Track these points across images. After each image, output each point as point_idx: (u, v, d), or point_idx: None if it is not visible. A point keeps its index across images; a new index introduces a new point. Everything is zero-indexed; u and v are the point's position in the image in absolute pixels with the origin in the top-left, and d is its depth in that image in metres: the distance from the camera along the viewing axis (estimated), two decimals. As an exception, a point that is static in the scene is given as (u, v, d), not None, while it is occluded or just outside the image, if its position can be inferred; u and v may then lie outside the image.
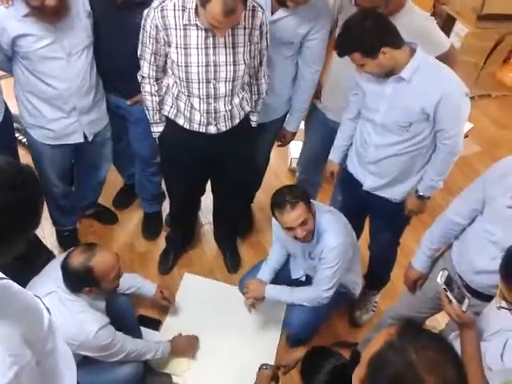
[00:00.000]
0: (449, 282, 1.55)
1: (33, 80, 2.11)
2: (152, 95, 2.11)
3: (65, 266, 1.83)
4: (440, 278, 1.55)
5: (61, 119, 2.24)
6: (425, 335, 0.95)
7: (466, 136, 3.47)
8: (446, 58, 2.06)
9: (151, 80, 2.08)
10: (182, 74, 1.98)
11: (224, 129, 2.14)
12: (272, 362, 2.22)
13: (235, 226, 2.90)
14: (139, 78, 2.09)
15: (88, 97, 2.24)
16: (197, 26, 1.88)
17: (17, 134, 2.64)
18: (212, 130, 2.13)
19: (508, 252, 1.36)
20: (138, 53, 2.03)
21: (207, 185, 2.65)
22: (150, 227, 2.99)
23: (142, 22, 1.94)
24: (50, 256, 2.37)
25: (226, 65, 1.97)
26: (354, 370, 1.02)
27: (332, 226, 2.11)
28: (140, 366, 2.12)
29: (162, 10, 1.87)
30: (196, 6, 1.82)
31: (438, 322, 2.33)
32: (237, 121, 2.17)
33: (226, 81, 2.00)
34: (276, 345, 2.47)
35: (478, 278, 1.71)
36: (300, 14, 2.12)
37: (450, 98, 1.82)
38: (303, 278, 2.38)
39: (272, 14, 2.13)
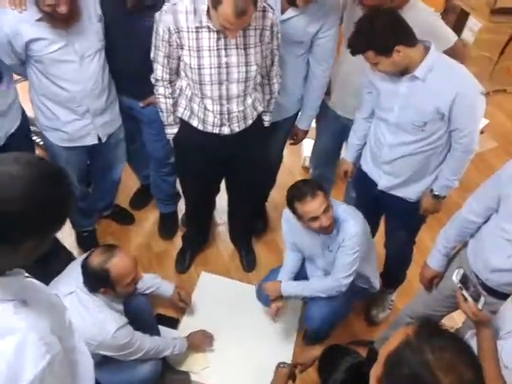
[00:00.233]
0: (464, 280, 1.55)
1: (46, 83, 2.15)
2: (166, 98, 2.14)
3: (85, 266, 1.88)
4: (455, 277, 1.56)
5: (74, 121, 2.28)
6: (442, 335, 0.95)
7: (481, 132, 3.44)
8: (454, 52, 2.05)
9: (165, 83, 2.11)
10: (194, 76, 2.00)
11: (237, 129, 2.16)
12: (289, 361, 2.24)
13: (250, 225, 2.91)
14: (153, 80, 2.12)
15: (101, 99, 2.28)
16: (208, 28, 1.90)
17: (34, 137, 2.69)
18: (225, 130, 2.15)
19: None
20: (151, 56, 2.05)
21: (222, 184, 2.67)
22: (166, 227, 3.03)
23: (155, 25, 1.97)
24: (69, 257, 2.42)
25: (238, 66, 1.99)
26: (371, 368, 1.02)
27: (350, 214, 2.12)
28: (159, 364, 2.15)
29: (173, 13, 1.90)
30: (207, 8, 1.84)
31: (454, 320, 2.32)
32: (250, 121, 2.19)
33: (238, 82, 2.02)
34: (293, 343, 2.49)
35: (493, 276, 1.71)
36: (310, 13, 2.13)
37: (465, 97, 1.81)
38: None
39: (282, 13, 2.14)
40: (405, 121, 1.95)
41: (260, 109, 2.23)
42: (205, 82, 2.00)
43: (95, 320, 1.85)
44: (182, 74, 2.07)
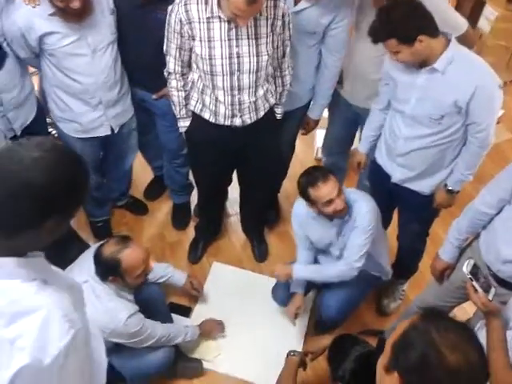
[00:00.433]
0: (475, 271, 1.55)
1: (59, 76, 2.18)
2: (178, 90, 2.16)
3: (97, 254, 1.91)
4: (466, 268, 1.56)
5: (87, 113, 2.31)
6: (447, 320, 0.96)
7: (497, 122, 3.38)
8: (465, 39, 2.03)
9: (177, 75, 2.12)
10: (206, 67, 2.01)
11: (249, 121, 2.17)
12: (300, 349, 2.26)
13: (262, 215, 2.93)
14: (165, 73, 2.14)
15: (113, 91, 2.30)
16: (219, 18, 1.91)
17: (50, 129, 2.73)
18: (237, 122, 2.15)
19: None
20: (164, 49, 2.07)
21: (234, 175, 2.69)
22: (179, 217, 3.06)
23: (167, 17, 1.98)
24: (84, 246, 2.46)
25: (250, 56, 1.99)
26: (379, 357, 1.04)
27: (360, 195, 2.14)
28: (171, 351, 2.18)
29: (185, 4, 1.91)
30: None
31: (466, 311, 2.32)
32: (261, 113, 2.20)
33: (249, 72, 2.02)
34: (304, 332, 2.51)
35: (505, 267, 1.70)
36: (322, 4, 2.12)
37: (484, 91, 1.80)
38: None
39: (295, 4, 2.14)
40: (421, 113, 1.94)
41: (272, 101, 2.23)
42: (216, 72, 2.01)
43: (106, 308, 1.88)
44: (194, 66, 2.09)
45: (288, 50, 2.14)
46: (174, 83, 2.15)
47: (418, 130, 1.98)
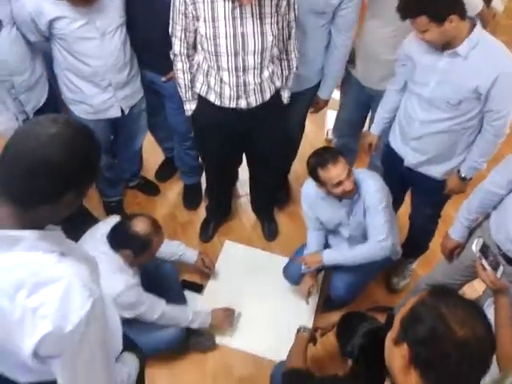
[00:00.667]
0: (484, 249, 1.57)
1: (70, 59, 2.20)
2: (184, 73, 2.16)
3: (125, 225, 1.95)
4: (475, 246, 1.58)
5: (98, 95, 2.33)
6: (455, 296, 0.98)
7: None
8: (480, 18, 1.99)
9: (183, 57, 2.12)
10: (210, 48, 2.00)
11: (254, 103, 2.16)
12: (310, 325, 2.30)
13: (272, 196, 2.95)
14: (171, 56, 2.14)
15: (123, 73, 2.32)
16: None
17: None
18: (242, 104, 2.15)
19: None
20: (170, 31, 2.07)
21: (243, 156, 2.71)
22: (190, 198, 3.09)
23: None
24: (96, 223, 2.51)
25: (254, 36, 1.97)
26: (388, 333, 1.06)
27: (367, 174, 2.15)
28: (183, 328, 2.21)
29: None
30: None
31: (475, 289, 2.34)
32: (267, 95, 2.19)
33: (254, 53, 2.01)
34: (314, 308, 2.55)
35: (514, 246, 1.72)
36: None
37: (506, 78, 1.77)
38: None
39: None
40: (439, 97, 1.92)
41: (278, 84, 2.22)
42: (221, 53, 2.00)
43: (107, 279, 1.89)
44: (199, 47, 2.08)
45: (293, 31, 2.13)
46: (179, 65, 2.15)
47: (434, 114, 1.97)
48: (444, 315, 0.91)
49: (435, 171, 2.15)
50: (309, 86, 2.51)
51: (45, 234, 1.00)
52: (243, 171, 2.91)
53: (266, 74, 2.12)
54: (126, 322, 1.93)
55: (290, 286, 2.57)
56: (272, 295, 2.59)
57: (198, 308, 2.36)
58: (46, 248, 0.99)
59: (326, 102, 2.64)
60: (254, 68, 2.06)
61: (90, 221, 2.52)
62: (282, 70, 2.22)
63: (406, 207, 2.53)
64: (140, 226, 1.94)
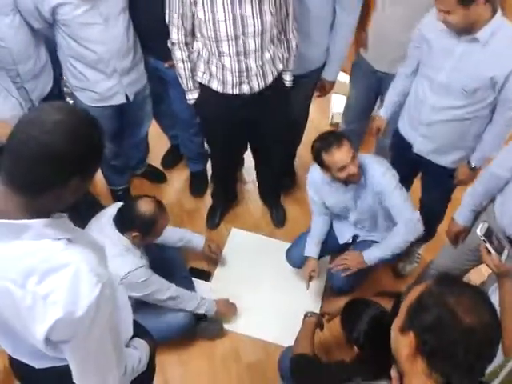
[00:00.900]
0: (488, 233, 1.57)
1: (74, 45, 2.20)
2: (184, 62, 2.15)
3: (131, 206, 1.97)
4: (480, 230, 1.58)
5: (103, 81, 2.33)
6: (461, 284, 0.98)
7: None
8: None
9: (181, 45, 2.11)
10: (210, 33, 1.99)
11: (257, 87, 2.15)
12: (317, 311, 2.32)
13: (278, 182, 2.95)
14: (169, 45, 2.13)
15: (127, 58, 2.32)
16: None
17: (67, 99, 2.76)
18: (245, 89, 2.14)
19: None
20: (166, 19, 2.06)
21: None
22: (196, 185, 3.11)
23: None
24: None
25: (253, 17, 1.96)
26: (394, 318, 1.06)
27: (372, 158, 2.15)
28: (191, 314, 2.24)
29: None
30: None
31: (482, 273, 2.34)
32: (270, 78, 2.17)
33: (254, 35, 2.00)
34: (321, 294, 2.57)
35: (519, 230, 1.71)
36: None
37: None
38: (350, 241, 2.42)
39: None
40: (454, 83, 1.88)
41: (280, 66, 2.21)
42: (221, 37, 1.99)
43: (113, 262, 1.92)
44: (198, 34, 2.06)
45: (291, 9, 2.10)
46: (178, 54, 2.14)
47: (446, 101, 1.94)
48: (450, 303, 0.92)
49: (444, 160, 2.14)
50: (313, 68, 2.48)
51: (51, 221, 1.02)
52: (249, 157, 2.91)
53: (267, 56, 2.10)
54: (136, 309, 1.96)
55: (297, 272, 2.59)
56: (279, 281, 2.61)
57: (205, 295, 2.38)
58: (54, 235, 1.01)
59: (332, 85, 2.61)
60: (255, 51, 2.04)
61: (98, 210, 2.54)
62: (282, 52, 2.21)
63: (413, 194, 2.51)
64: (145, 207, 1.97)
